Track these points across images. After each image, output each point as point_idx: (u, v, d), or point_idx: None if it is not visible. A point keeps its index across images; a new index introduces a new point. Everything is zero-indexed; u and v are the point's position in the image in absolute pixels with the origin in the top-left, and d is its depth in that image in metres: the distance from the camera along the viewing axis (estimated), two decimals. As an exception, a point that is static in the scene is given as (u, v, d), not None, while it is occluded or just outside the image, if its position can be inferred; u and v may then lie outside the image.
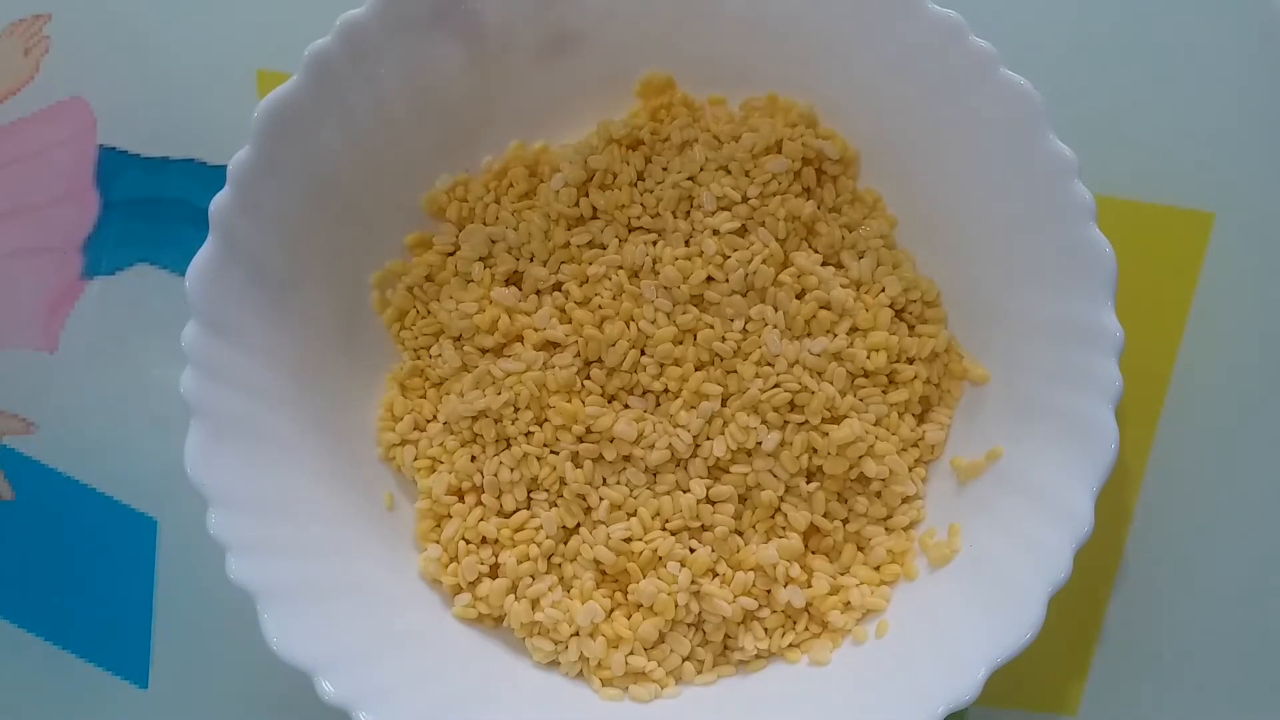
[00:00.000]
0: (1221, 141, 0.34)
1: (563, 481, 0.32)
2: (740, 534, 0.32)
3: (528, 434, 0.32)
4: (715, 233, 0.32)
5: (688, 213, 0.33)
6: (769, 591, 0.32)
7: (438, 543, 0.32)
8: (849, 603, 0.31)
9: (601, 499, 0.32)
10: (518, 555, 0.32)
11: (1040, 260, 0.30)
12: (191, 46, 0.36)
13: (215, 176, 0.32)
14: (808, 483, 0.32)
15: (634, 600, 0.32)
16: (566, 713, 0.31)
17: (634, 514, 0.32)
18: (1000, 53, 0.30)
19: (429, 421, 0.33)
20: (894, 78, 0.31)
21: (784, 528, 0.32)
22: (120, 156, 0.36)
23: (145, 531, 0.36)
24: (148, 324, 0.36)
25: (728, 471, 0.32)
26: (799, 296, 0.32)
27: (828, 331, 0.32)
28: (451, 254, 0.34)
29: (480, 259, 0.33)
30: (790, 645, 0.32)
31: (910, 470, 0.32)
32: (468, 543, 0.32)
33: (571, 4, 0.32)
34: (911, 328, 0.33)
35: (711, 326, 0.32)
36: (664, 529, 0.32)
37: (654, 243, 0.33)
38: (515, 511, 0.32)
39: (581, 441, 0.32)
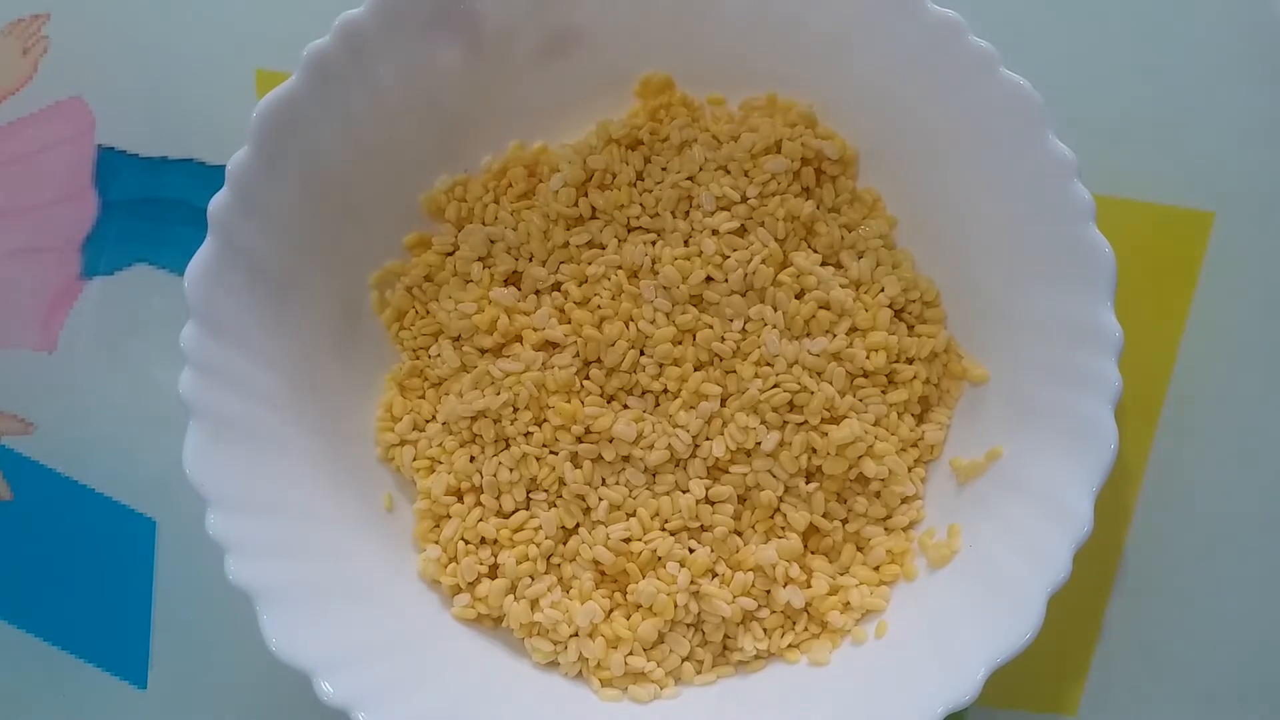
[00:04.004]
0: (1221, 141, 0.34)
1: (562, 482, 0.32)
2: (740, 534, 0.32)
3: (527, 434, 0.32)
4: (714, 233, 0.32)
5: (687, 213, 0.33)
6: (768, 592, 0.32)
7: (437, 543, 0.32)
8: (848, 603, 0.31)
9: (601, 499, 0.32)
10: (517, 556, 0.32)
11: (1040, 260, 0.30)
12: (191, 46, 0.36)
13: (214, 176, 0.32)
14: (807, 483, 0.32)
15: (633, 600, 0.32)
16: (566, 713, 0.31)
17: (633, 514, 0.32)
18: (1000, 53, 0.29)
19: (428, 422, 0.33)
20: (894, 78, 0.31)
21: (783, 528, 0.32)
22: (119, 156, 0.36)
23: (145, 532, 0.36)
24: (147, 324, 0.36)
25: (727, 472, 0.32)
26: (798, 296, 0.32)
27: (827, 331, 0.32)
28: (450, 254, 0.34)
29: (479, 259, 0.33)
30: (790, 646, 0.32)
31: (910, 470, 0.32)
32: (467, 543, 0.32)
33: (571, 4, 0.32)
34: (911, 328, 0.33)
35: (711, 326, 0.32)
36: (663, 529, 0.32)
37: (653, 243, 0.33)
38: (514, 512, 0.32)
39: (581, 442, 0.32)
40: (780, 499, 0.32)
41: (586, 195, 0.33)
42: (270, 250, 0.31)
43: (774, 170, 0.32)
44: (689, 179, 0.33)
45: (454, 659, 0.31)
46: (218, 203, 0.30)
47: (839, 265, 0.33)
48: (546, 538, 0.32)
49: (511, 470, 0.32)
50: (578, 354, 0.32)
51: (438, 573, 0.32)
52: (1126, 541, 0.34)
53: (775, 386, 0.31)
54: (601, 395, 0.32)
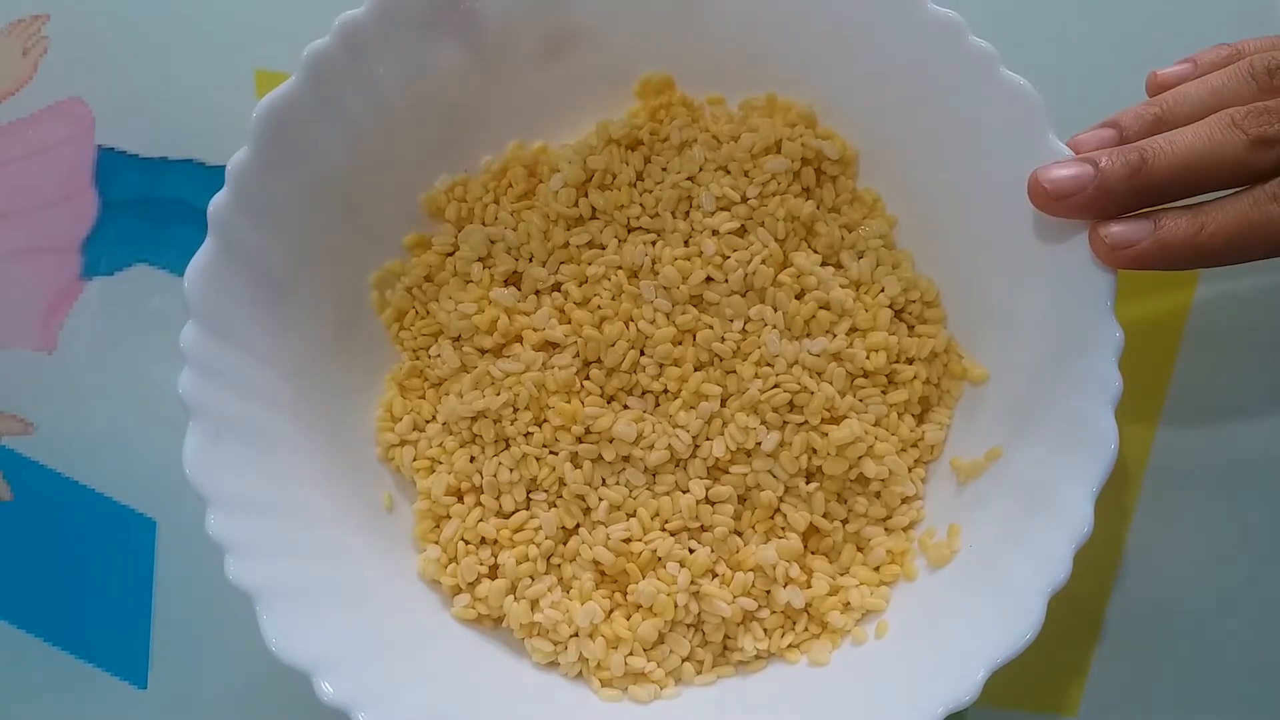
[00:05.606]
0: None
1: (562, 482, 0.32)
2: (740, 534, 0.32)
3: (527, 434, 0.32)
4: (714, 233, 0.32)
5: (687, 213, 0.33)
6: (768, 592, 0.32)
7: (437, 543, 0.32)
8: (848, 603, 0.31)
9: (601, 499, 0.32)
10: (517, 556, 0.32)
11: (1040, 260, 0.30)
12: (190, 46, 0.36)
13: (214, 177, 0.32)
14: (807, 483, 0.32)
15: (633, 601, 0.32)
16: (566, 713, 0.31)
17: (633, 514, 0.32)
18: (1000, 53, 0.29)
19: (428, 422, 0.33)
20: (894, 78, 0.31)
21: (783, 528, 0.32)
22: (119, 157, 0.36)
23: (144, 532, 0.36)
24: (146, 324, 0.36)
25: (727, 472, 0.32)
26: (798, 297, 0.32)
27: (827, 332, 0.32)
28: (450, 254, 0.34)
29: (479, 259, 0.33)
30: (790, 646, 0.32)
31: (910, 470, 0.32)
32: (467, 543, 0.32)
33: (571, 4, 0.32)
34: (911, 328, 0.33)
35: (711, 327, 0.32)
36: (663, 529, 0.32)
37: (653, 243, 0.33)
38: (514, 512, 0.32)
39: (581, 442, 0.32)
40: (780, 499, 0.32)
41: (586, 195, 0.33)
42: (270, 250, 0.31)
43: (774, 170, 0.32)
44: (689, 179, 0.33)
45: (454, 659, 0.31)
46: (218, 203, 0.30)
47: (839, 265, 0.33)
48: (546, 538, 0.32)
49: (511, 470, 0.32)
50: (578, 354, 0.32)
51: (438, 573, 0.32)
52: (1126, 541, 0.34)
53: (775, 386, 0.31)
54: (601, 395, 0.32)
